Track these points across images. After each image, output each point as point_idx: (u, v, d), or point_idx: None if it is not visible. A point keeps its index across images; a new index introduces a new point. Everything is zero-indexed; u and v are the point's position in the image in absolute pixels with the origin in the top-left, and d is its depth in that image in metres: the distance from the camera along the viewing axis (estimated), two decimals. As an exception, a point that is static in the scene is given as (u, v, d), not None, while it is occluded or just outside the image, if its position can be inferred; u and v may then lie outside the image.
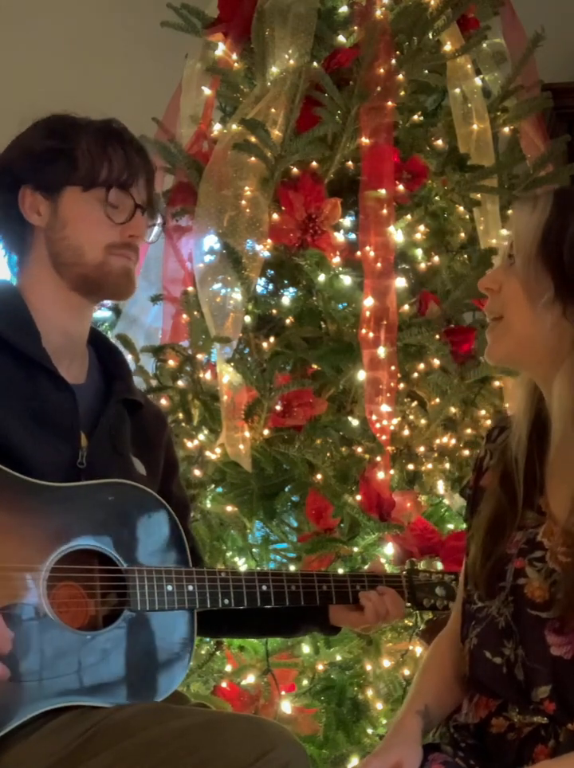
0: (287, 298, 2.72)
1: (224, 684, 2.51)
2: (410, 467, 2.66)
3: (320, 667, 2.54)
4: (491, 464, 1.70)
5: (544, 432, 1.62)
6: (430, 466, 2.68)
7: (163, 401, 2.64)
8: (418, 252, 2.77)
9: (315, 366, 2.64)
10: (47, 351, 1.81)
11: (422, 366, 2.66)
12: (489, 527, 1.63)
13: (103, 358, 1.95)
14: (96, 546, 1.73)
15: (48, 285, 1.85)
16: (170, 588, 1.76)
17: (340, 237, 2.65)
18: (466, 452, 2.70)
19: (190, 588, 1.78)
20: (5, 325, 1.80)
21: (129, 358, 2.60)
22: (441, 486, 2.66)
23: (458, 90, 2.79)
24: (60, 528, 1.71)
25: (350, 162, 2.71)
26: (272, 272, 2.77)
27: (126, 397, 1.92)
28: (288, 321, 2.68)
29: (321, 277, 2.61)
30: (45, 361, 1.80)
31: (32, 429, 1.76)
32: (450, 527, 2.65)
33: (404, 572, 2.02)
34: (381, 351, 2.53)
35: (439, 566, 2.05)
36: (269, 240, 2.62)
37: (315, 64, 2.67)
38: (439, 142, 2.82)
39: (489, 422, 2.72)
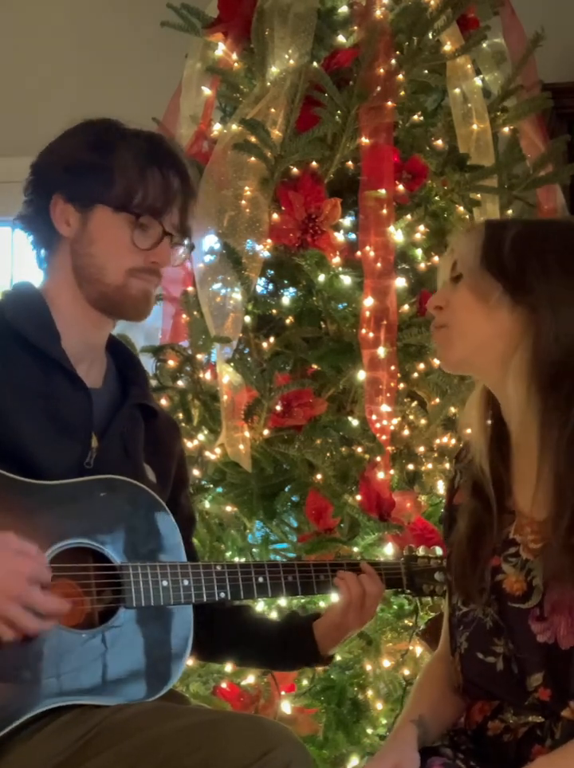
0: (287, 298, 2.72)
1: (224, 684, 2.51)
2: (410, 467, 2.66)
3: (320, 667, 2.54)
4: (461, 483, 1.79)
5: (504, 437, 1.72)
6: (430, 466, 2.68)
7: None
8: (418, 252, 2.76)
9: (315, 366, 2.64)
10: (66, 352, 1.81)
11: (422, 366, 2.66)
12: (470, 535, 1.71)
13: (121, 365, 1.96)
14: (89, 544, 1.73)
15: (68, 294, 1.86)
16: (165, 583, 1.76)
17: (340, 237, 2.65)
18: (466, 452, 2.70)
19: (186, 582, 1.78)
20: (27, 324, 1.81)
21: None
22: (441, 486, 2.66)
23: (457, 90, 2.78)
24: (52, 527, 1.71)
25: (350, 162, 2.71)
26: (272, 272, 2.76)
27: (141, 401, 1.92)
28: (288, 321, 2.68)
29: (321, 277, 2.61)
30: (63, 361, 1.80)
31: (44, 427, 1.76)
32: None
33: (402, 559, 2.03)
34: (381, 351, 2.53)
35: (438, 551, 2.05)
36: (269, 241, 2.62)
37: (315, 64, 2.67)
38: (439, 142, 2.82)
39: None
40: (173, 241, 1.88)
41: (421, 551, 2.06)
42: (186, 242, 1.92)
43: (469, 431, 1.79)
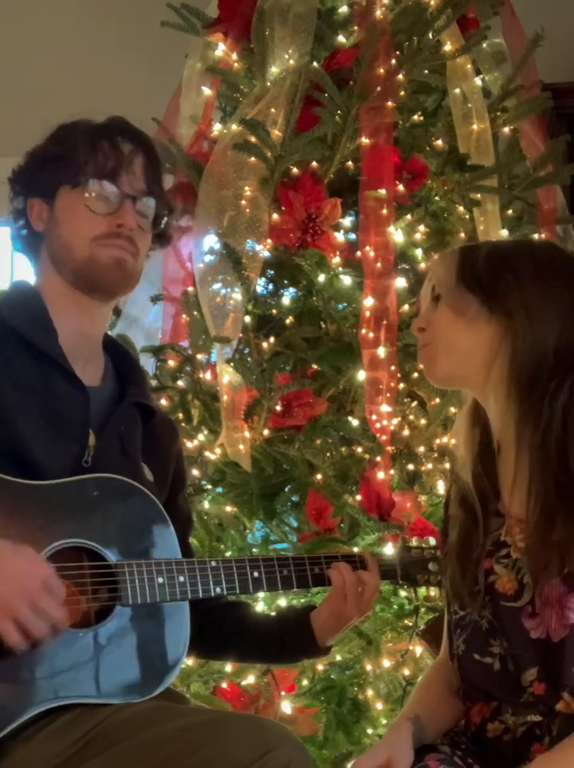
0: (287, 298, 2.72)
1: (224, 684, 2.51)
2: (410, 467, 2.66)
3: (320, 667, 2.54)
4: (453, 495, 1.84)
5: (491, 446, 1.78)
6: (430, 466, 2.68)
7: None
8: (418, 252, 2.76)
9: (315, 366, 2.64)
10: (63, 350, 1.82)
11: (422, 366, 2.66)
12: (460, 544, 1.77)
13: (119, 364, 1.97)
14: (84, 543, 1.73)
15: (56, 287, 1.88)
16: (160, 580, 1.76)
17: (340, 237, 2.64)
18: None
19: (181, 579, 1.78)
20: (24, 322, 1.83)
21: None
22: (441, 486, 2.66)
23: (458, 90, 2.78)
24: (47, 527, 1.71)
25: (350, 162, 2.71)
26: (272, 272, 2.76)
27: (139, 400, 1.93)
28: (288, 321, 2.68)
29: (321, 277, 2.61)
30: (61, 359, 1.81)
31: (42, 426, 1.77)
32: (450, 526, 2.65)
33: (396, 549, 2.03)
34: (381, 351, 2.53)
35: (432, 542, 2.06)
36: (269, 240, 2.62)
37: (315, 64, 2.66)
38: (439, 142, 2.81)
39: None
40: (138, 204, 1.88)
41: (414, 542, 2.07)
42: (166, 211, 1.94)
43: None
